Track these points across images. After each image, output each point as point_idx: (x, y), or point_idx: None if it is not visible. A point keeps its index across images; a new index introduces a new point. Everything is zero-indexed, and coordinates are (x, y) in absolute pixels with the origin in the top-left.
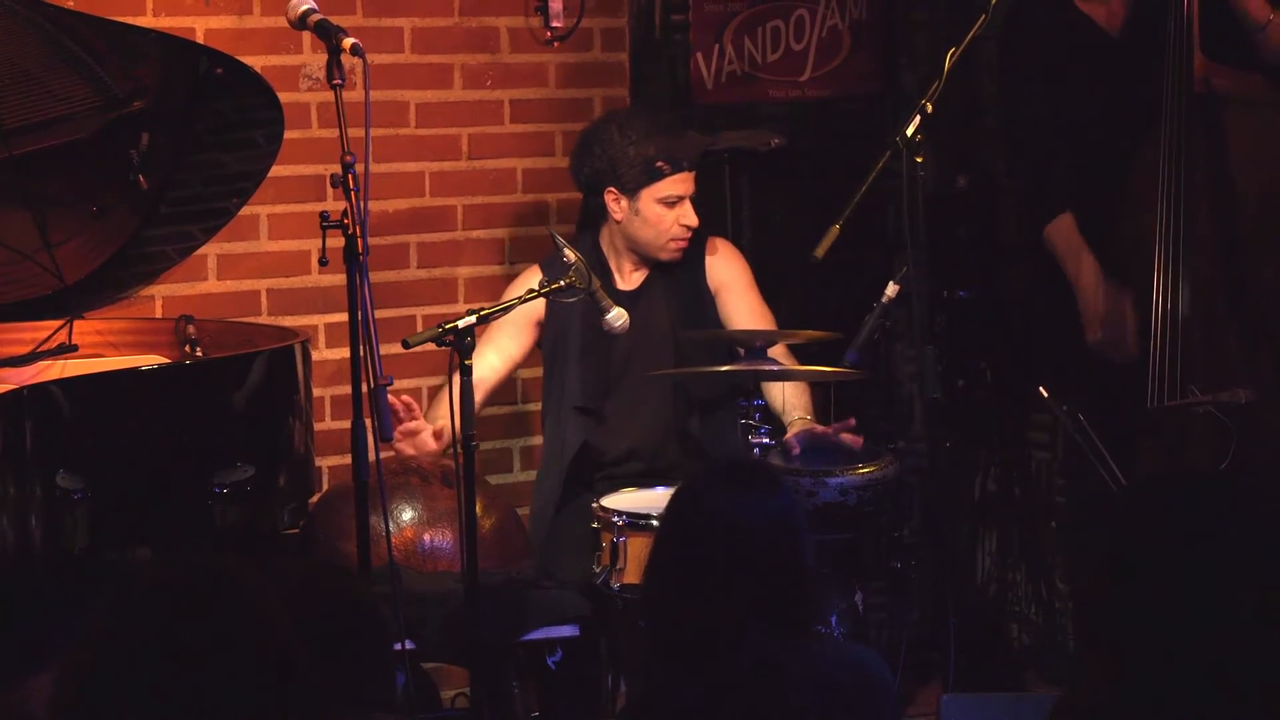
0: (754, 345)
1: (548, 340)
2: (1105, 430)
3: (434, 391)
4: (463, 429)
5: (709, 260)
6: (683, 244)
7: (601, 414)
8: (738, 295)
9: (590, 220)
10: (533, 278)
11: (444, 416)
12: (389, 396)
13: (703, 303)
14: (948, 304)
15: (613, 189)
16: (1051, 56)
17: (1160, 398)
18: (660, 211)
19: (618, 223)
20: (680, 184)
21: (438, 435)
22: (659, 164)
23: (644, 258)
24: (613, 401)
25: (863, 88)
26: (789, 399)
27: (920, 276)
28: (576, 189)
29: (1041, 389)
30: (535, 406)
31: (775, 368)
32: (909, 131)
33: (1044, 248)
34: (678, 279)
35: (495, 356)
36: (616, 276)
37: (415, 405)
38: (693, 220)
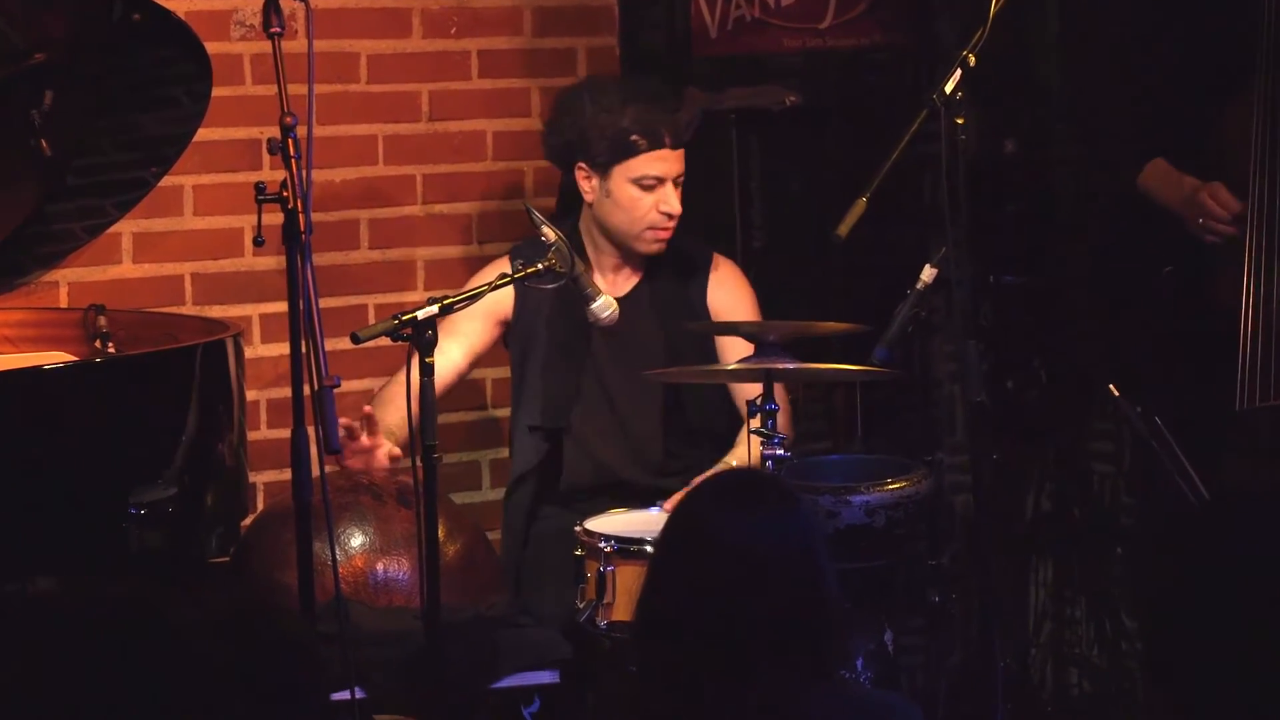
0: (766, 339)
1: (516, 343)
2: (1185, 436)
3: None
4: (423, 438)
5: (714, 280)
6: (663, 234)
7: (568, 436)
8: (741, 319)
9: (570, 205)
10: (502, 266)
11: (397, 423)
12: (337, 405)
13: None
14: (994, 290)
15: (583, 165)
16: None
17: (1251, 397)
18: (634, 194)
19: (589, 205)
20: (658, 162)
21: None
22: (633, 137)
23: (623, 250)
24: (583, 424)
25: (893, 37)
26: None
27: (961, 258)
28: (552, 162)
29: (1112, 387)
30: (504, 413)
31: (793, 365)
32: (948, 88)
33: (1116, 218)
34: (673, 292)
35: (457, 348)
36: (598, 277)
37: (370, 416)
38: (674, 207)
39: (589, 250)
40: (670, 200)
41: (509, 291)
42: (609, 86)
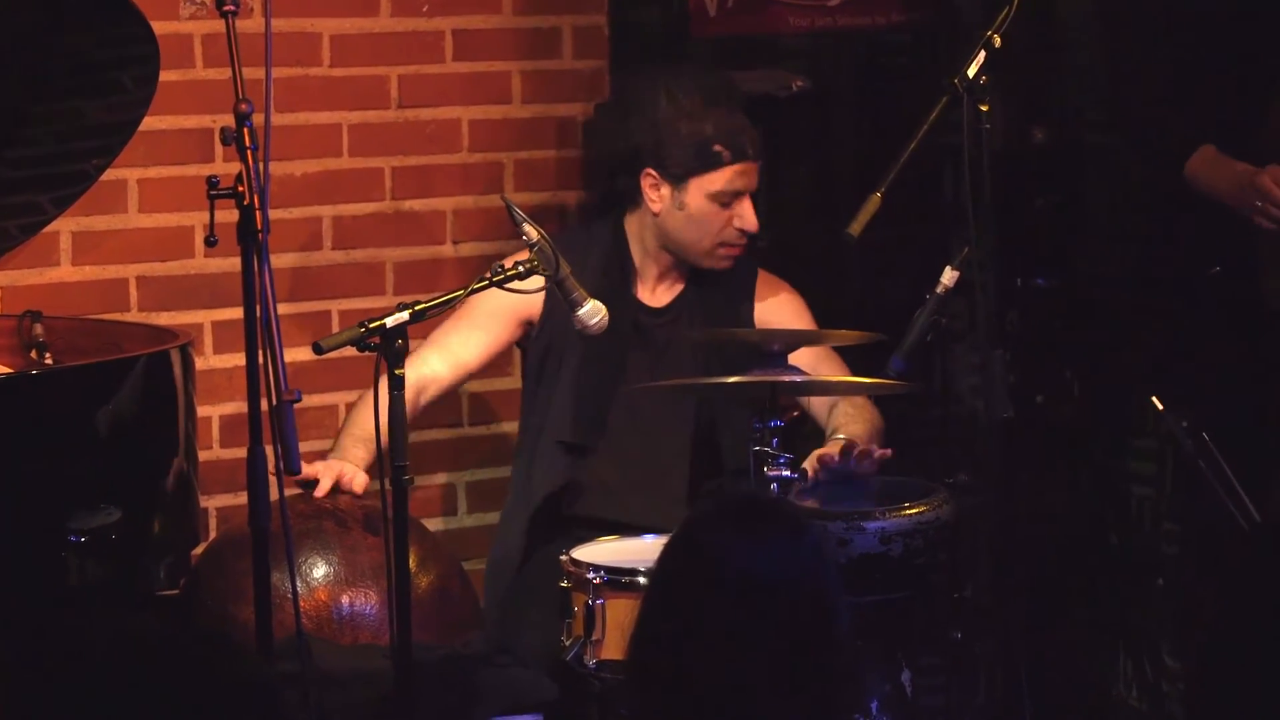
0: (770, 350)
1: (538, 347)
2: (1235, 454)
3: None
4: (392, 458)
5: (760, 294)
6: (736, 251)
7: (594, 459)
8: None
9: (611, 203)
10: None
11: (362, 441)
12: (298, 421)
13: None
14: (1022, 294)
15: (652, 172)
16: None
17: None
18: (711, 209)
19: (654, 215)
20: (740, 176)
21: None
22: (716, 148)
23: (679, 263)
24: (613, 448)
25: (910, 15)
26: (838, 420)
27: (986, 259)
28: (604, 162)
29: (1155, 400)
30: (484, 430)
31: (798, 379)
32: (971, 72)
33: (1164, 207)
34: (719, 304)
35: (439, 360)
36: (639, 283)
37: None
38: (752, 223)
39: (635, 254)
40: (749, 217)
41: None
42: (688, 85)
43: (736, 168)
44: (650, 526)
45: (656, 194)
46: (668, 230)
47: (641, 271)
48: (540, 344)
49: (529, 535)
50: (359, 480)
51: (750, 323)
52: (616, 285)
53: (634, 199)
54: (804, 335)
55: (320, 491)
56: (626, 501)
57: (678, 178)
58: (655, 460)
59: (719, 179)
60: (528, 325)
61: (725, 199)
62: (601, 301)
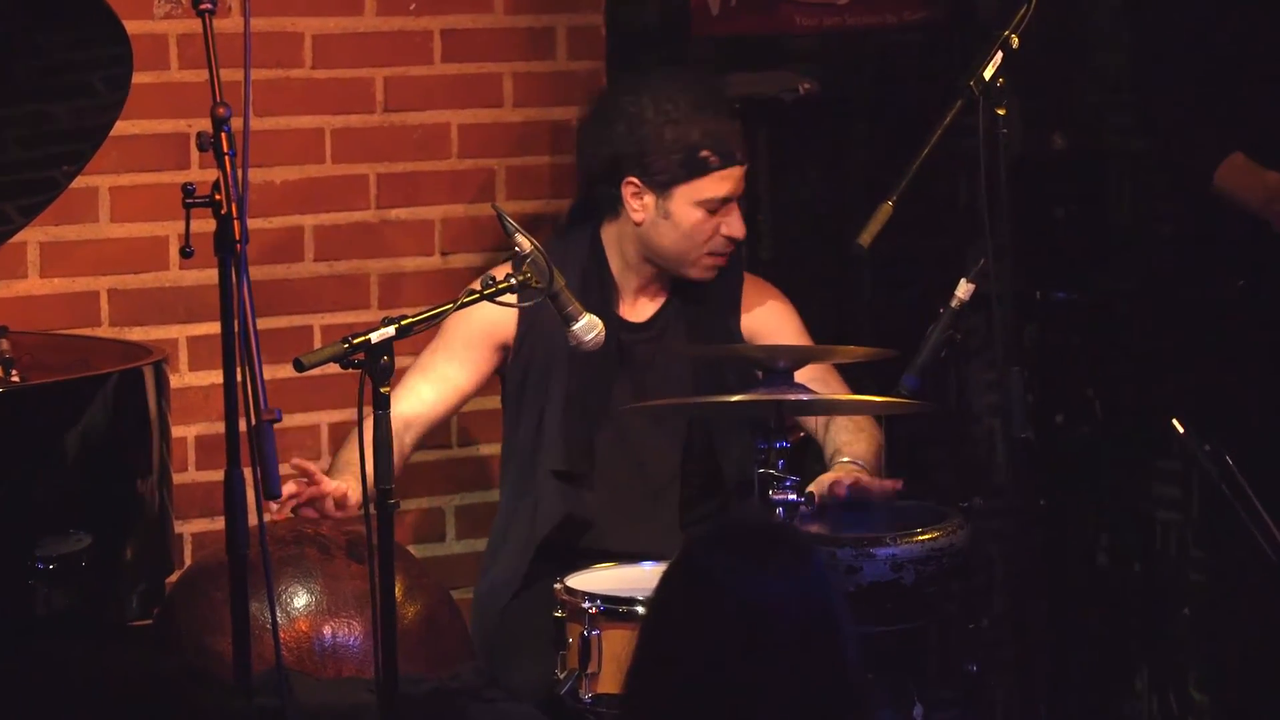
0: (775, 366)
1: (516, 371)
2: (1263, 479)
3: (339, 432)
4: (377, 482)
5: (747, 304)
6: (722, 261)
7: (588, 483)
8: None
9: (586, 214)
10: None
11: (353, 466)
12: (278, 443)
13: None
14: (1041, 309)
15: (635, 180)
16: None
17: None
18: (698, 217)
19: (636, 225)
20: (727, 183)
21: (340, 501)
22: (703, 154)
23: (661, 275)
24: (602, 473)
25: (924, 14)
26: (839, 439)
27: (1003, 272)
28: (581, 171)
29: (1176, 422)
30: (473, 451)
31: (804, 397)
32: (987, 73)
33: (1190, 219)
34: (705, 315)
35: (429, 388)
36: (620, 297)
37: (312, 470)
38: (739, 230)
39: (614, 267)
40: (736, 223)
41: (509, 311)
42: (673, 90)
43: (724, 173)
44: (643, 553)
45: (639, 203)
46: (652, 241)
47: (621, 285)
48: (518, 368)
49: (519, 565)
50: (353, 498)
51: (738, 334)
52: (596, 301)
53: (613, 209)
54: (811, 352)
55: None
56: (617, 529)
57: (663, 185)
58: (646, 485)
59: (706, 186)
60: (504, 350)
61: (713, 206)
62: None
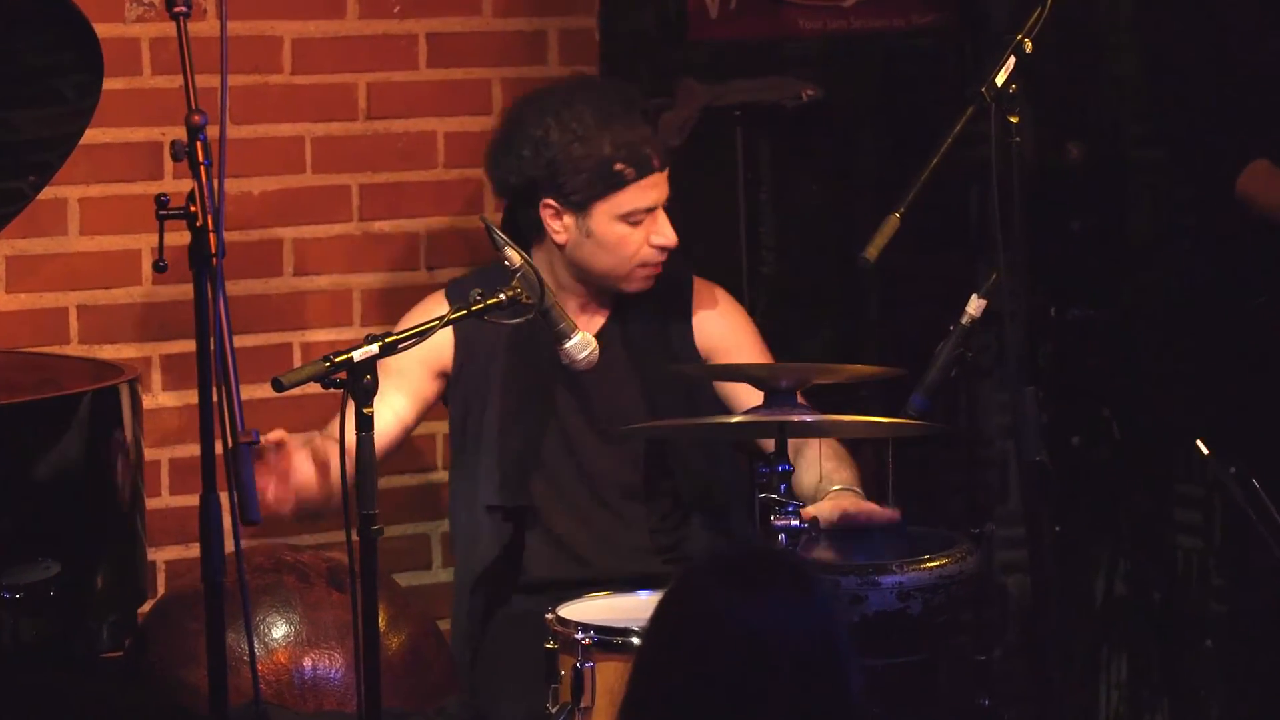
0: (778, 386)
1: (458, 401)
2: None
3: None
4: (360, 507)
5: (700, 315)
6: (656, 270)
7: (531, 517)
8: (745, 359)
9: (517, 236)
10: (436, 308)
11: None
12: (256, 466)
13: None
14: (1056, 326)
15: (551, 202)
16: None
17: None
18: (622, 231)
19: (559, 247)
20: (649, 192)
21: (283, 478)
22: (618, 166)
23: (598, 291)
24: (548, 501)
25: (933, 17)
26: (824, 466)
27: (1016, 287)
28: (501, 197)
29: (1199, 443)
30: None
31: (810, 418)
32: (999, 79)
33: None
34: (650, 329)
35: (402, 399)
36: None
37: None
38: (670, 238)
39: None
40: (665, 230)
41: (445, 335)
42: (577, 106)
43: (642, 183)
44: (612, 577)
45: (559, 224)
46: (578, 260)
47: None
48: (459, 399)
49: (487, 601)
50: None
51: (691, 344)
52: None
53: (538, 231)
54: (815, 369)
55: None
56: (582, 554)
57: (579, 205)
58: (608, 503)
59: (626, 199)
60: (444, 378)
61: (636, 218)
62: (521, 344)
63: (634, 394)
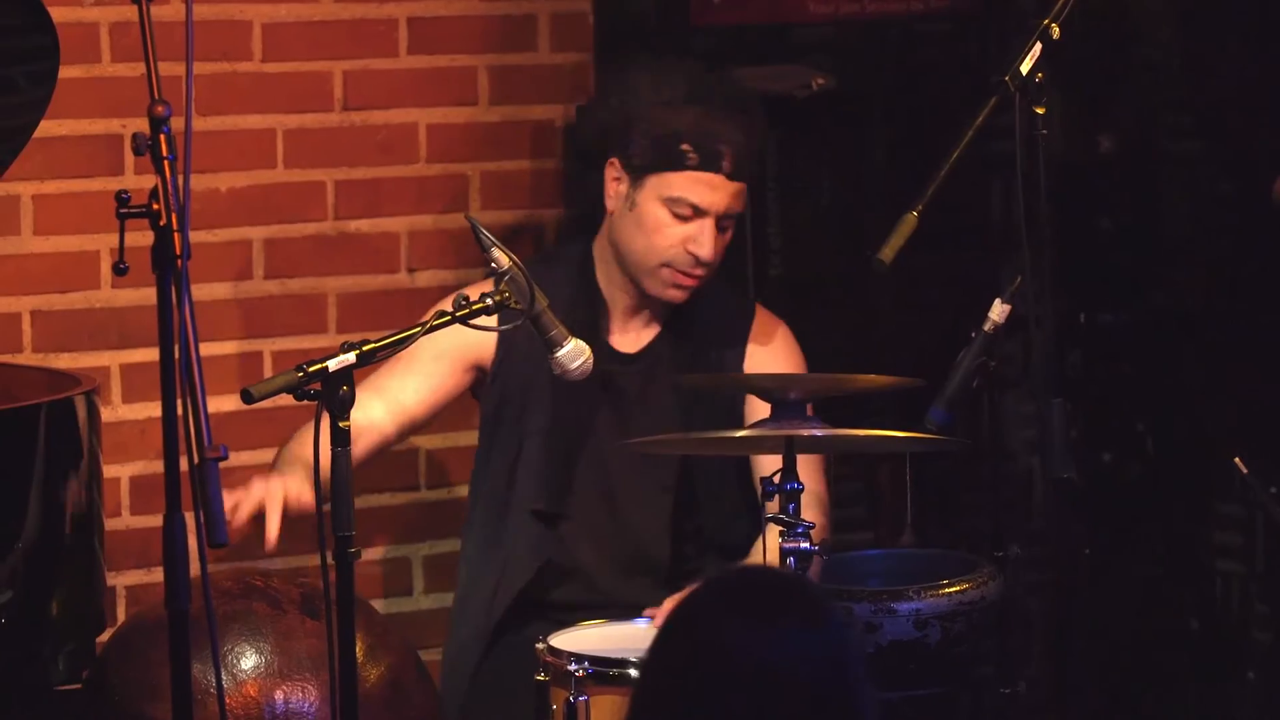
0: (786, 398)
1: (490, 402)
2: None
3: None
4: (335, 528)
5: (754, 347)
6: (683, 279)
7: (567, 528)
8: None
9: (589, 221)
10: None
11: (302, 466)
12: (224, 483)
13: (734, 397)
14: (1085, 333)
15: (616, 161)
16: None
17: None
18: (662, 217)
19: (609, 214)
20: (704, 188)
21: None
22: (684, 146)
23: (640, 290)
24: (581, 518)
25: (953, 2)
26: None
27: (1042, 292)
28: (578, 155)
29: (1238, 461)
30: (443, 494)
31: (820, 432)
32: (1024, 68)
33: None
34: (703, 353)
35: (379, 403)
36: (610, 320)
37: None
38: (705, 250)
39: (601, 283)
40: (703, 241)
41: (488, 333)
42: (678, 76)
43: (701, 176)
44: (628, 605)
45: (614, 189)
46: (617, 236)
47: (610, 304)
48: (493, 396)
49: (488, 619)
50: (307, 496)
51: (741, 369)
52: (583, 322)
53: (603, 209)
54: (826, 381)
55: (271, 533)
56: (598, 579)
57: (637, 171)
58: (631, 530)
59: (677, 183)
60: (478, 372)
61: (681, 210)
62: None
63: (671, 416)
